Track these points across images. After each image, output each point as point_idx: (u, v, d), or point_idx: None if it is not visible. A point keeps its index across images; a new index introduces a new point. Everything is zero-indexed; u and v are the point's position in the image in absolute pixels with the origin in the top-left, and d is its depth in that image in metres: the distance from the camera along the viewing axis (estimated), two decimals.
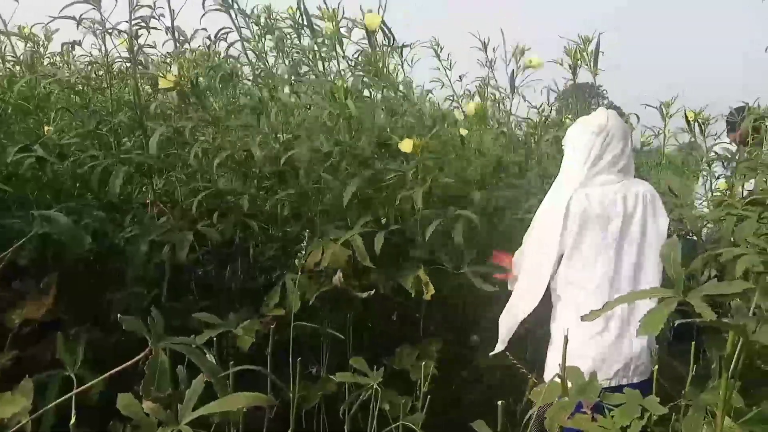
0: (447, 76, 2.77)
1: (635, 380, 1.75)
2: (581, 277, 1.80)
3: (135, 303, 2.00)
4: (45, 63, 2.67)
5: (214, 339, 1.50)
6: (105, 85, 2.39)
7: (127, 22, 2.06)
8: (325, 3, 2.33)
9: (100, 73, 2.53)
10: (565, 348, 1.34)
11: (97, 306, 2.00)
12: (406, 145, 2.05)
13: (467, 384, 2.28)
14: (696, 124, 2.60)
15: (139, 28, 2.08)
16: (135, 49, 2.11)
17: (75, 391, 1.10)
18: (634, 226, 1.79)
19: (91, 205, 1.97)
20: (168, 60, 2.36)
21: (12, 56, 2.26)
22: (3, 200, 1.83)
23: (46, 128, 1.98)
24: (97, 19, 2.03)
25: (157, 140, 2.11)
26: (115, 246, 2.06)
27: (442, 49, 2.77)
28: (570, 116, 3.14)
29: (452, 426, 1.78)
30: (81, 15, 2.02)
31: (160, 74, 2.16)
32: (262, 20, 2.30)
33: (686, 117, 2.62)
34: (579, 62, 2.61)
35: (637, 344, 1.75)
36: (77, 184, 2.08)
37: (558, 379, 1.36)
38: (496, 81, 2.99)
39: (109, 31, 2.08)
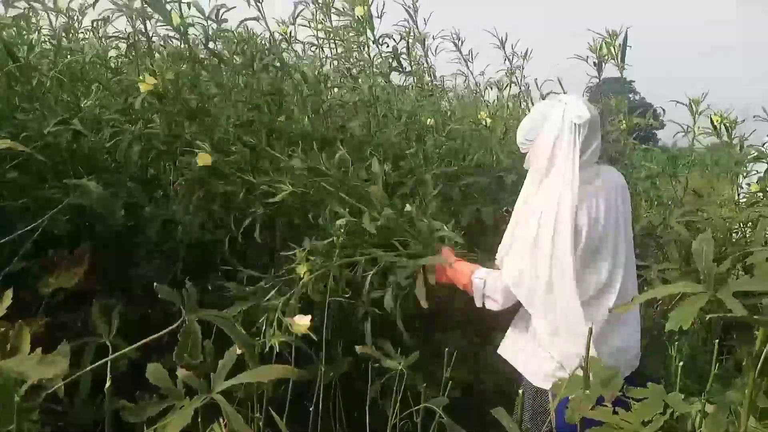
0: (469, 69, 2.77)
1: (626, 374, 1.73)
2: (588, 280, 1.72)
3: (158, 278, 2.03)
4: (79, 38, 2.71)
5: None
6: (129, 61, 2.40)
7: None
8: None
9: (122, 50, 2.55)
10: (589, 340, 1.34)
11: (124, 278, 2.04)
12: None
13: (483, 372, 2.29)
14: (722, 126, 2.57)
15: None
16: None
17: (111, 356, 1.12)
18: (620, 218, 1.76)
19: (124, 178, 2.00)
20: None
21: (48, 29, 2.30)
22: (40, 172, 1.87)
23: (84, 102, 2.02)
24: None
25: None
26: (142, 220, 2.09)
27: (463, 42, 2.76)
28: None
29: (469, 412, 1.80)
30: None
31: (140, 78, 2.00)
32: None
33: (712, 120, 2.58)
34: (606, 57, 2.56)
35: (622, 338, 1.76)
36: (107, 158, 2.11)
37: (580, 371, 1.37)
38: (518, 76, 2.98)
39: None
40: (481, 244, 2.14)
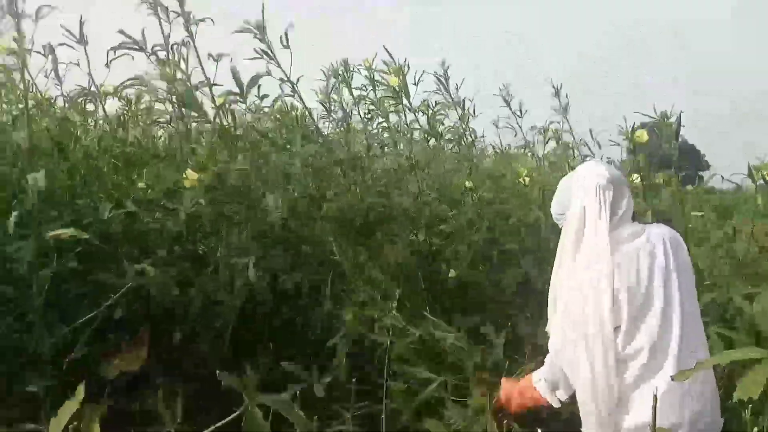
0: (518, 123, 2.77)
1: None
2: (635, 344, 1.63)
3: (213, 354, 2.06)
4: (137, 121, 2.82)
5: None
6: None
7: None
8: (391, 57, 2.44)
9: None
10: (655, 410, 1.30)
11: (177, 355, 2.07)
12: None
13: None
14: None
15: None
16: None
17: None
18: (671, 273, 1.66)
19: (176, 257, 2.06)
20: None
21: (103, 114, 2.41)
22: (97, 255, 1.94)
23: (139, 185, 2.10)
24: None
25: None
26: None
27: (512, 97, 2.78)
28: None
29: None
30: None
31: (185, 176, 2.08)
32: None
33: None
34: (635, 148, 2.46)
35: (697, 402, 1.61)
36: (162, 238, 2.17)
37: None
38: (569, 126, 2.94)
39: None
40: (530, 305, 2.13)
